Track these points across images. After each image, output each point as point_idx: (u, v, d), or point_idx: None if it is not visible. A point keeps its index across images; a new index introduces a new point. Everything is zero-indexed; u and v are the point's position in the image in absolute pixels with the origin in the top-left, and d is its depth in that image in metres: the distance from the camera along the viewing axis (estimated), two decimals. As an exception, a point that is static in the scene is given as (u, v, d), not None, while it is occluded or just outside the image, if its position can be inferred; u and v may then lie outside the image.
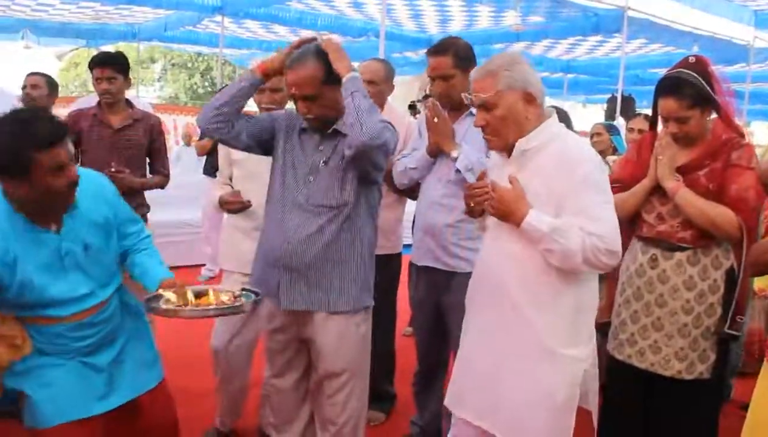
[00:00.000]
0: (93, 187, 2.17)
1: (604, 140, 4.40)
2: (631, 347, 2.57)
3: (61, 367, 2.12)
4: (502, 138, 2.05)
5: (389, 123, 2.29)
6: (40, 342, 2.11)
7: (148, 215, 3.64)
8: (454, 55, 2.68)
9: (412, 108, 7.33)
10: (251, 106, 2.76)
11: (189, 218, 6.94)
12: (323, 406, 2.40)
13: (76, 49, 15.19)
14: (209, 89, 26.11)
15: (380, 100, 3.24)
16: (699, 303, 2.46)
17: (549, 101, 2.15)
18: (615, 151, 4.34)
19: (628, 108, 8.10)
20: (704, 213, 2.39)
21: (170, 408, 2.36)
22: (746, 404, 2.19)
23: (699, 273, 2.46)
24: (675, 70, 2.48)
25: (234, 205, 2.90)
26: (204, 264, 6.62)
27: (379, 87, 3.20)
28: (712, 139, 2.47)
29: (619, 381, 2.65)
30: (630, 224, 2.61)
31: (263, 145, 2.41)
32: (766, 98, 14.07)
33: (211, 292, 2.19)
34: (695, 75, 2.41)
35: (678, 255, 2.48)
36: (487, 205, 2.05)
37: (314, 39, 2.31)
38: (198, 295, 2.17)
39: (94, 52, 4.29)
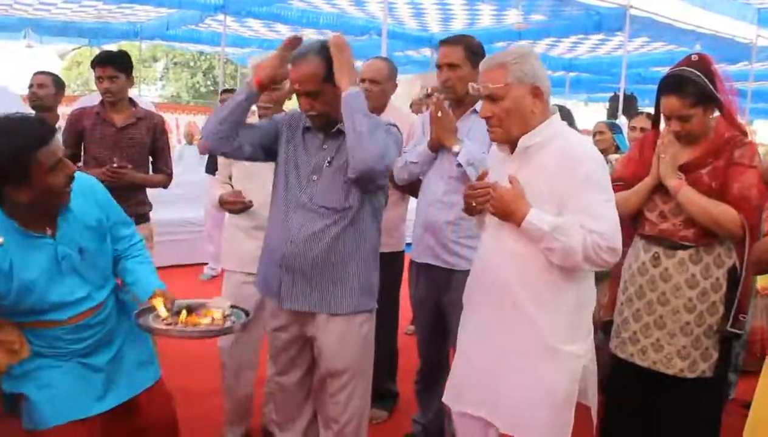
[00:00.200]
0: (84, 189, 2.17)
1: (606, 139, 4.40)
2: (634, 345, 2.57)
3: (58, 368, 2.13)
4: (506, 130, 2.05)
5: (393, 125, 2.29)
6: (37, 345, 2.11)
7: (151, 214, 3.65)
8: (465, 47, 2.71)
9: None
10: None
11: (191, 217, 6.94)
12: (326, 405, 2.40)
13: (78, 48, 15.23)
14: (211, 88, 26.13)
15: (383, 99, 3.25)
16: (701, 301, 2.46)
17: (551, 100, 2.15)
18: (617, 150, 4.34)
19: (630, 106, 8.10)
20: (707, 211, 2.39)
21: (168, 407, 2.36)
22: (748, 402, 2.19)
23: (701, 272, 2.46)
24: (678, 68, 2.48)
25: (235, 205, 2.89)
26: (206, 263, 6.63)
27: (382, 86, 3.20)
28: (715, 138, 2.47)
29: (621, 379, 2.65)
30: (632, 222, 2.61)
31: (267, 151, 2.38)
32: (769, 96, 14.06)
33: (203, 312, 2.17)
34: (698, 73, 2.40)
35: (680, 253, 2.48)
36: (488, 205, 2.05)
37: (299, 39, 2.28)
38: (188, 310, 2.16)
39: (96, 51, 4.29)
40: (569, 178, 1.96)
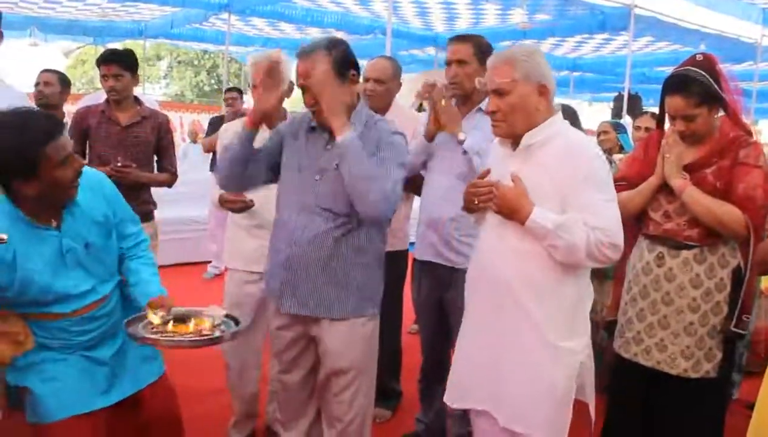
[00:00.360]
0: (92, 184, 2.18)
1: (610, 138, 4.40)
2: (637, 345, 2.56)
3: (63, 362, 2.13)
4: (510, 125, 2.07)
5: (400, 133, 2.28)
6: (42, 337, 2.12)
7: (155, 212, 3.65)
8: (475, 45, 2.73)
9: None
10: (250, 104, 2.75)
11: (195, 215, 6.95)
12: (330, 403, 2.40)
13: (83, 46, 15.26)
14: (215, 87, 26.15)
15: (388, 98, 3.25)
16: (705, 301, 2.45)
17: (555, 99, 2.17)
18: (622, 149, 4.34)
19: (634, 106, 8.10)
20: (711, 211, 2.39)
21: (172, 402, 2.36)
22: (752, 403, 2.19)
23: (705, 272, 2.45)
24: (682, 68, 2.47)
25: (236, 204, 2.89)
26: (210, 262, 6.64)
27: (387, 85, 3.20)
28: (720, 137, 2.46)
29: (624, 379, 2.65)
30: (636, 222, 2.61)
31: (279, 169, 2.39)
32: (774, 97, 14.02)
33: (193, 320, 2.16)
34: (703, 73, 2.40)
35: (684, 253, 2.47)
36: (490, 203, 2.06)
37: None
38: (183, 318, 2.16)
39: (101, 50, 4.29)
40: (571, 175, 1.99)
